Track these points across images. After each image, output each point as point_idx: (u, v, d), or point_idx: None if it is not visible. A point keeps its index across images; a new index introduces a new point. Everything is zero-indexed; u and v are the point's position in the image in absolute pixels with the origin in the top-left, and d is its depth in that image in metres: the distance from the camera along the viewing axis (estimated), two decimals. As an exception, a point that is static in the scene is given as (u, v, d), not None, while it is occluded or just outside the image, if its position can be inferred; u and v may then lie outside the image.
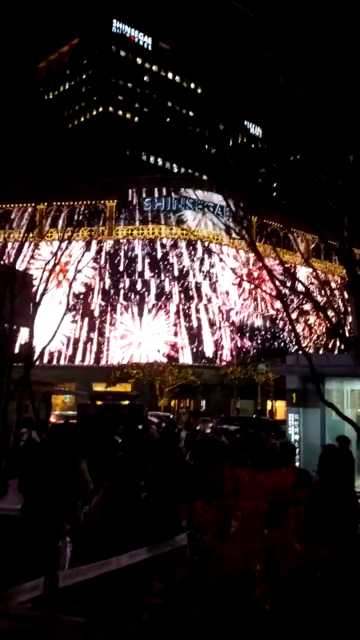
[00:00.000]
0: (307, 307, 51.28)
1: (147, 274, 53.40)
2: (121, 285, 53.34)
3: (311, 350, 54.42)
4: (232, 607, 2.89)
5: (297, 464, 12.04)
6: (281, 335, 56.43)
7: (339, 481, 6.13)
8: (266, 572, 2.86)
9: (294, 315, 50.88)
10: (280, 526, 3.14)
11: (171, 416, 34.29)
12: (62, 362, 51.21)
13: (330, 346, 52.02)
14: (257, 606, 2.79)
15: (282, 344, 54.89)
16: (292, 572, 2.85)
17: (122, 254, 53.91)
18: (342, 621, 2.77)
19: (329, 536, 3.41)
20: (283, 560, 2.88)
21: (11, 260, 12.60)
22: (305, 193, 4.64)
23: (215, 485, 4.17)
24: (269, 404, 51.52)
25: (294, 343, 54.93)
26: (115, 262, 53.82)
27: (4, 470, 10.49)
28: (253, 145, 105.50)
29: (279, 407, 48.74)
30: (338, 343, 48.25)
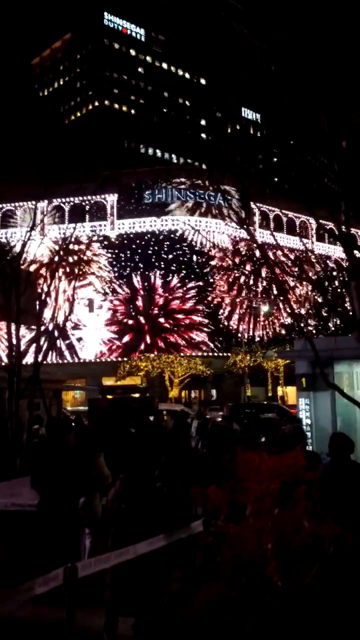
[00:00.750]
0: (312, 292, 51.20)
1: (151, 266, 53.43)
2: (126, 278, 53.41)
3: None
4: (247, 586, 2.98)
5: (310, 447, 12.13)
6: (289, 322, 56.41)
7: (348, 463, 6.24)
8: (278, 550, 2.95)
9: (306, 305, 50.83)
10: (290, 506, 3.23)
11: (183, 407, 34.50)
12: (71, 359, 51.41)
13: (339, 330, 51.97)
14: (271, 583, 2.88)
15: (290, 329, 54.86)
16: (304, 550, 2.93)
17: (125, 247, 53.95)
18: (354, 596, 2.86)
19: (340, 515, 3.48)
20: (294, 539, 2.97)
21: (15, 259, 12.66)
22: (303, 178, 4.69)
23: (227, 470, 4.25)
24: (279, 390, 51.65)
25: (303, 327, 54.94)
26: (120, 255, 53.88)
27: (18, 467, 10.62)
28: (252, 132, 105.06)
29: (290, 393, 48.86)
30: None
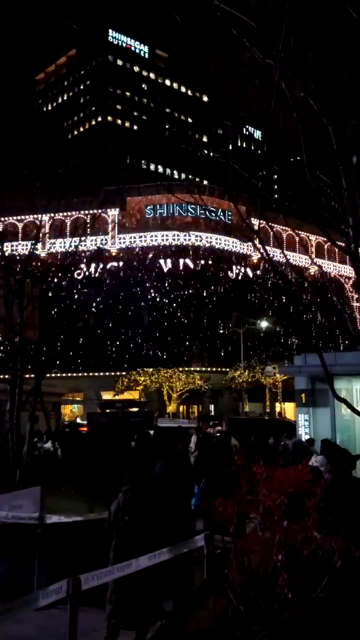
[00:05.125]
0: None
1: (151, 282, 53.52)
2: (126, 293, 53.47)
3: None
4: (255, 599, 2.98)
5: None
6: (288, 339, 56.43)
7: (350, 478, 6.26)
8: (288, 562, 2.96)
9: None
10: (299, 518, 3.24)
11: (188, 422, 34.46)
12: (69, 372, 51.25)
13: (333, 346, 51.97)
14: (280, 596, 2.89)
15: (288, 346, 54.85)
16: (313, 562, 2.94)
17: (125, 262, 54.06)
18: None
19: (344, 530, 3.49)
20: (304, 551, 2.98)
21: (19, 272, 12.72)
22: (310, 194, 4.73)
23: (231, 483, 4.26)
24: (277, 406, 51.50)
25: (301, 344, 54.94)
26: (119, 270, 54.00)
27: (19, 480, 10.58)
28: (253, 148, 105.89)
29: (288, 409, 48.75)
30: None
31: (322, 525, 3.47)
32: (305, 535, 3.04)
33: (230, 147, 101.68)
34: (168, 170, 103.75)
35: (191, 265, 53.92)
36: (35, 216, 48.03)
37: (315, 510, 3.25)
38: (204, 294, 53.83)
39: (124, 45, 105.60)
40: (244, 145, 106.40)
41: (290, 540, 3.02)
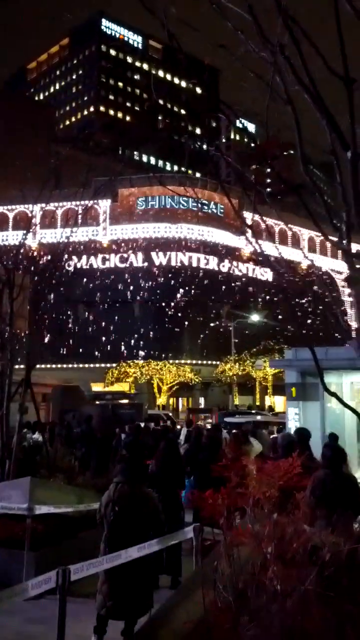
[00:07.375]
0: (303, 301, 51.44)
1: (142, 273, 53.46)
2: (117, 284, 53.40)
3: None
4: (245, 590, 3.01)
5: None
6: (279, 332, 56.53)
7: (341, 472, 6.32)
8: (277, 554, 2.98)
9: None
10: (289, 512, 3.27)
11: (169, 414, 34.72)
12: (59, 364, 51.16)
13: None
14: (269, 588, 2.91)
15: (279, 339, 54.94)
16: (302, 555, 2.97)
17: (116, 253, 53.94)
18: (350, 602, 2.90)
19: (334, 524, 3.52)
20: (294, 543, 3.00)
21: (9, 262, 12.64)
22: (304, 188, 4.74)
23: (220, 476, 4.27)
24: (267, 399, 51.71)
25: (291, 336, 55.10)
26: (110, 262, 53.88)
27: (8, 471, 10.59)
28: (246, 141, 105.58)
29: (278, 403, 48.97)
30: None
31: (312, 519, 3.49)
32: (295, 528, 3.07)
33: (224, 140, 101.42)
34: (160, 162, 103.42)
35: (182, 258, 53.88)
36: (26, 206, 47.94)
37: (305, 503, 3.27)
38: (195, 287, 53.80)
39: (118, 35, 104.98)
40: (237, 138, 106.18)
41: (280, 533, 3.04)
